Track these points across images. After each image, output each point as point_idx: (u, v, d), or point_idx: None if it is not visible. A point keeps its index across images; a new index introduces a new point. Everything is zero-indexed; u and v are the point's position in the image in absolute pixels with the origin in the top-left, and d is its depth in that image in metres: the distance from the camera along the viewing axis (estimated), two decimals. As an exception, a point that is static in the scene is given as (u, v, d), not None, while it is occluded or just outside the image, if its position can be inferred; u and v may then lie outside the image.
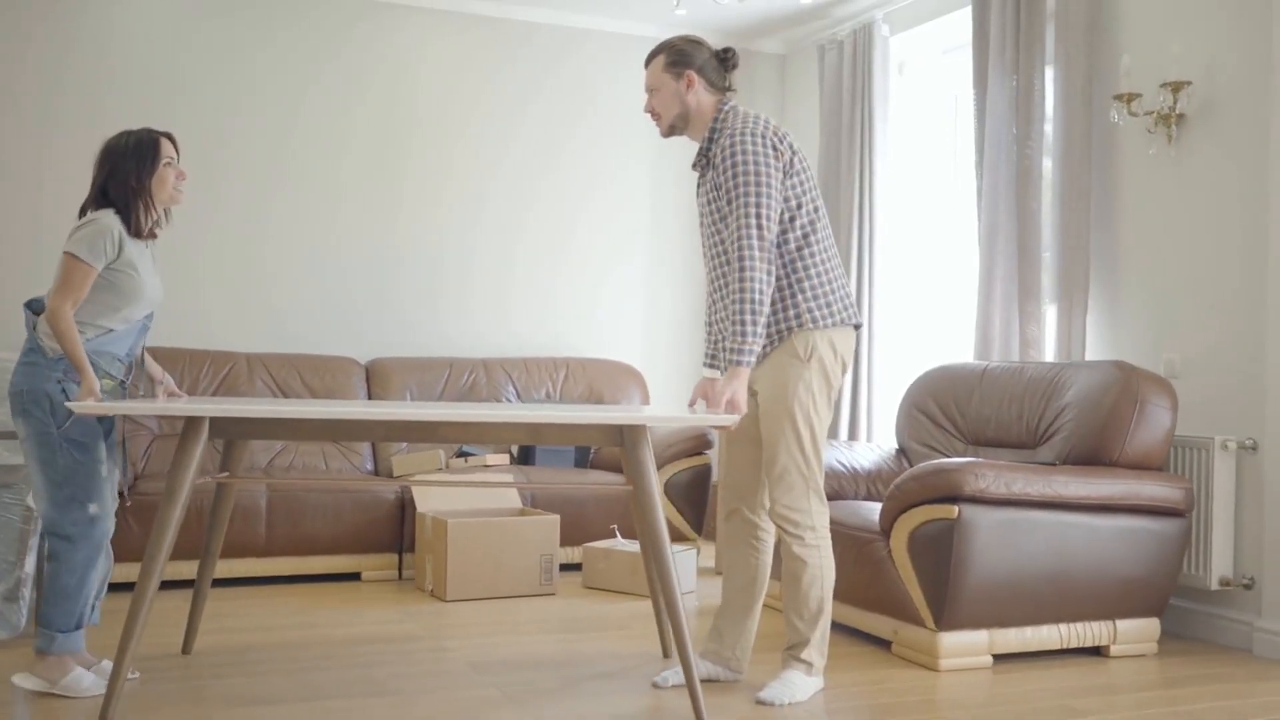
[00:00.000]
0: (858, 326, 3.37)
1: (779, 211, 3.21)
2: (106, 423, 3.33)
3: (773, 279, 3.18)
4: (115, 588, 4.69)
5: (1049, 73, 4.78)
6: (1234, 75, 4.13)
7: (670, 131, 3.39)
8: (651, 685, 3.44)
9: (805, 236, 3.26)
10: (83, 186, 3.83)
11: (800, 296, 3.24)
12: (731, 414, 3.10)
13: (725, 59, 3.34)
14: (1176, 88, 4.20)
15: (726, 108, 3.32)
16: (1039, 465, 3.81)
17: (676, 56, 3.31)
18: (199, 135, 5.75)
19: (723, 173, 3.21)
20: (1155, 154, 4.37)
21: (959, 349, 5.58)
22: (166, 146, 3.38)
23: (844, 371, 3.33)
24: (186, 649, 3.70)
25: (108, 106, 5.60)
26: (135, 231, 3.29)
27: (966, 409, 4.56)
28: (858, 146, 5.88)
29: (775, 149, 3.20)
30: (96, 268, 3.21)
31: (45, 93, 5.52)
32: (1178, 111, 4.25)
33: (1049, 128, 4.78)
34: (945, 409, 4.63)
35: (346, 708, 3.13)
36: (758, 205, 3.15)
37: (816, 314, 3.24)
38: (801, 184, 3.26)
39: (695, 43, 3.34)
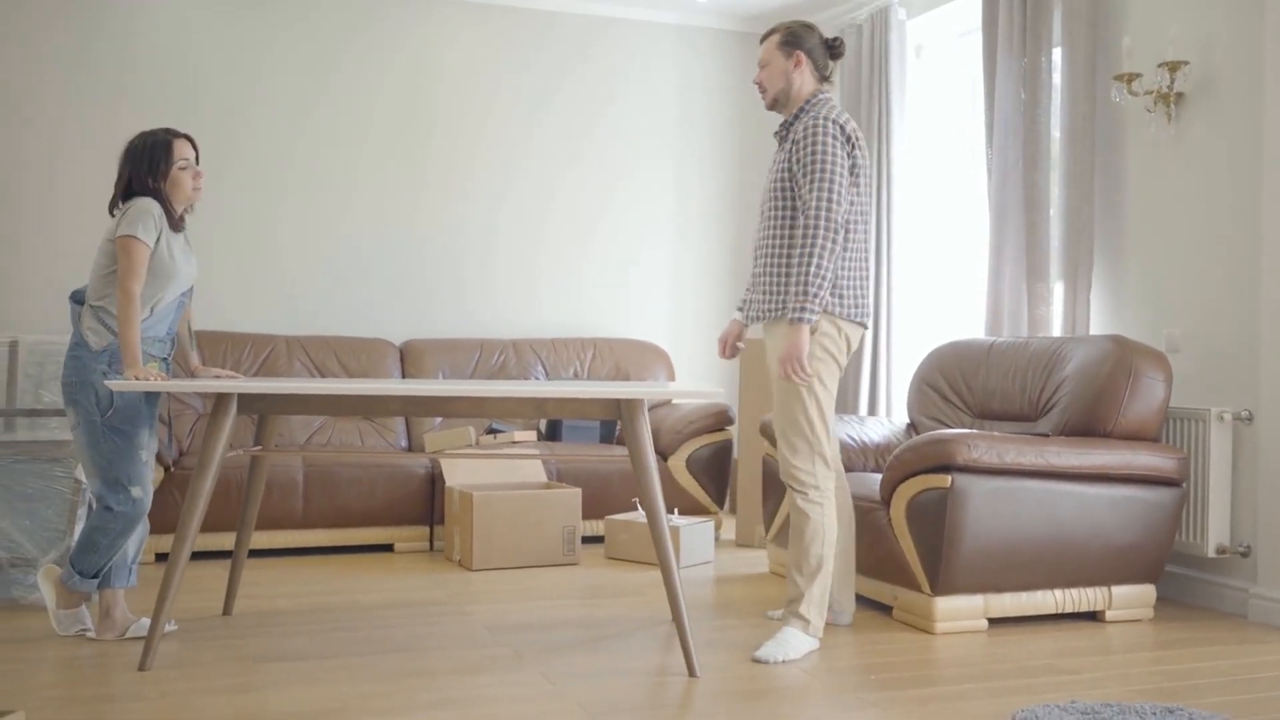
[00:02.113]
0: (864, 327, 3.61)
1: (848, 193, 3.47)
2: (154, 402, 3.56)
3: (838, 249, 3.45)
4: (159, 557, 4.99)
5: (1056, 54, 4.87)
6: (1228, 55, 4.21)
7: (773, 105, 3.68)
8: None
9: (845, 234, 3.52)
10: (101, 179, 3.99)
11: None
12: (801, 374, 3.44)
13: (832, 47, 3.65)
14: (1174, 67, 4.28)
15: (821, 96, 3.60)
16: (1032, 436, 3.93)
17: (789, 37, 3.64)
18: (233, 128, 6.00)
19: (802, 149, 3.48)
20: (1155, 132, 4.46)
21: (972, 328, 5.69)
22: (180, 148, 3.51)
23: (846, 353, 3.58)
24: (227, 610, 3.97)
25: (129, 95, 5.82)
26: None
27: (974, 383, 4.68)
28: (876, 129, 5.99)
29: (849, 140, 3.49)
30: (150, 244, 3.40)
31: (66, 71, 5.77)
32: (1176, 91, 4.33)
33: (1056, 108, 4.87)
34: (953, 383, 4.76)
35: (360, 663, 3.36)
36: (831, 186, 3.43)
37: (830, 301, 3.50)
38: (857, 185, 3.52)
39: (807, 27, 3.67)
